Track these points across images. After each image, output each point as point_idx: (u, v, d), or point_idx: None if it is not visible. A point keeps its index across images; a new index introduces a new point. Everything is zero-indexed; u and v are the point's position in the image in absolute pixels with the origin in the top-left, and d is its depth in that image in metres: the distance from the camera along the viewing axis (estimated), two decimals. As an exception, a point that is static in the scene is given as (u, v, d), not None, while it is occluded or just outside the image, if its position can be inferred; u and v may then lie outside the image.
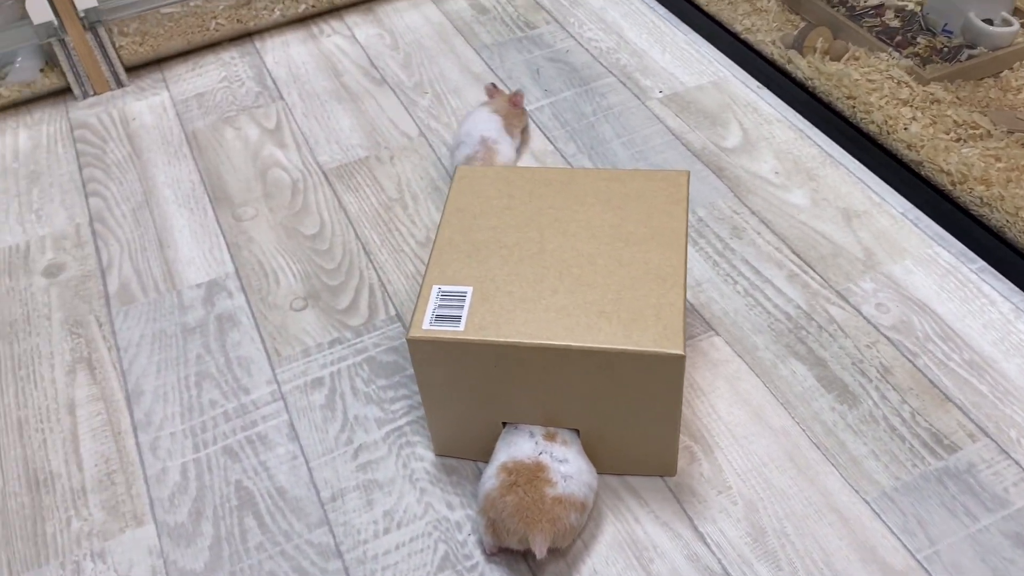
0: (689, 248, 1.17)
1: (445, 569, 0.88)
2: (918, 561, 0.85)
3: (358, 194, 1.29)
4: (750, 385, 1.01)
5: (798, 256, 1.15)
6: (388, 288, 1.16)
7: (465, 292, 0.87)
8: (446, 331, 0.84)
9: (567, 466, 0.86)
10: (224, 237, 1.24)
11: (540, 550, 0.81)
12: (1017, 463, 0.92)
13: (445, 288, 0.88)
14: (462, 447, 0.96)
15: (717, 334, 1.07)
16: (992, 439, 0.94)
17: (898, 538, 0.87)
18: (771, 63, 1.39)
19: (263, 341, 1.11)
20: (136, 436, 1.02)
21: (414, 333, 0.85)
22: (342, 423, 1.01)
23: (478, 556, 0.89)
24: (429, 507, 0.93)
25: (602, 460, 0.92)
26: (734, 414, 0.99)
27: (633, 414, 0.87)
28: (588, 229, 0.92)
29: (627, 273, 0.87)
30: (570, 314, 0.84)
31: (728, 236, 1.18)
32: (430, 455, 0.98)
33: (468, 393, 0.89)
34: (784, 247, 1.16)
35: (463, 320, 0.85)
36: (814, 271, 1.13)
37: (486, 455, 0.92)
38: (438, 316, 0.85)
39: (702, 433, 0.97)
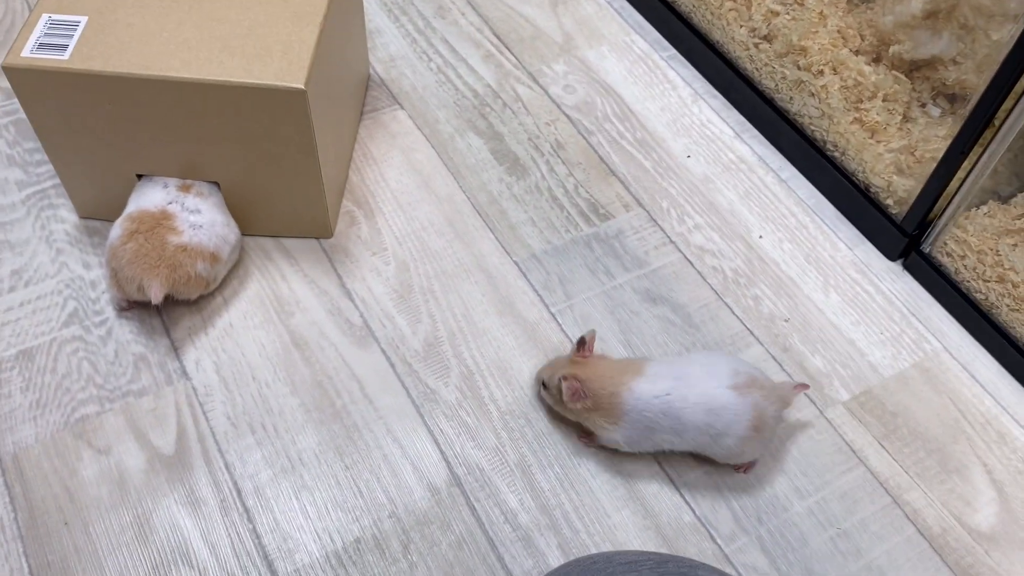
0: (388, 23, 1.12)
1: (72, 324, 0.84)
2: (551, 314, 0.88)
3: (28, -50, 1.15)
4: (424, 156, 1.00)
5: (498, 38, 1.12)
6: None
7: (79, 21, 0.80)
8: (48, 59, 0.77)
9: (198, 216, 0.83)
10: None
11: (155, 295, 0.78)
12: (663, 230, 0.96)
13: (56, 17, 0.80)
14: (104, 207, 0.90)
15: (402, 108, 1.04)
16: (645, 209, 0.97)
17: (538, 294, 0.90)
18: None
19: None
20: None
21: (10, 60, 0.77)
22: (-23, 183, 0.93)
23: (109, 312, 0.85)
24: (64, 266, 0.88)
25: (252, 220, 0.89)
26: (403, 182, 0.97)
27: (272, 162, 0.83)
28: None
29: (263, 11, 0.82)
30: (191, 48, 0.78)
31: (432, 15, 1.14)
32: (74, 218, 0.91)
33: (94, 140, 0.83)
34: (486, 28, 1.13)
35: (69, 49, 0.78)
36: (511, 52, 1.11)
37: None
38: (41, 44, 0.78)
39: (367, 199, 0.95)
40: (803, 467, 0.80)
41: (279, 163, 0.84)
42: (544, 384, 0.79)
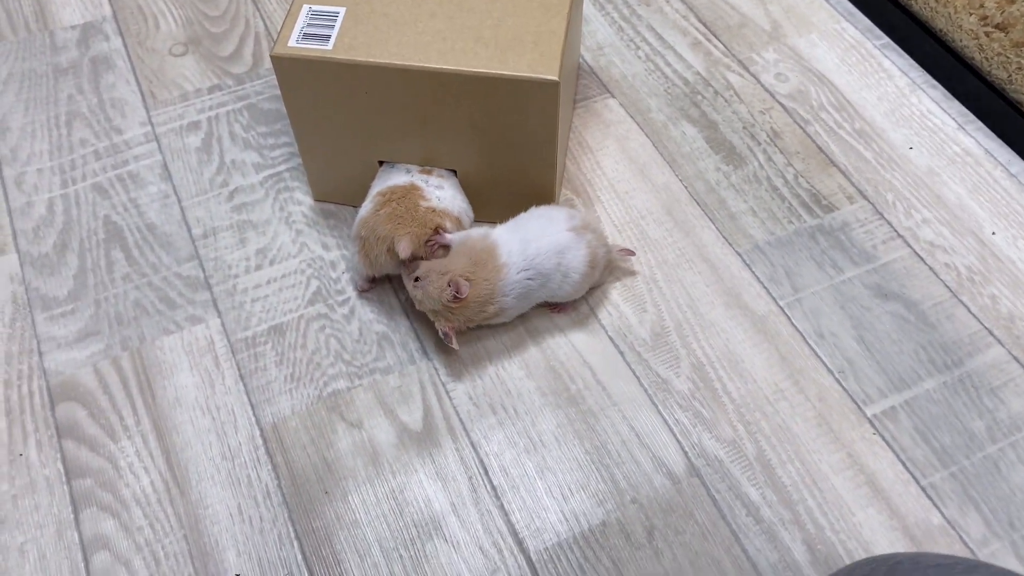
0: (594, 12, 1.13)
1: (316, 303, 0.88)
2: (780, 307, 0.87)
3: (249, -59, 1.20)
4: (638, 144, 1.00)
5: (704, 25, 1.11)
6: (276, 37, 1.09)
7: (338, 12, 0.83)
8: (313, 49, 0.80)
9: (442, 191, 0.85)
10: (102, -20, 1.16)
11: (404, 250, 0.79)
12: (889, 223, 0.93)
13: (316, 8, 0.83)
14: (340, 191, 0.94)
15: (612, 96, 1.04)
16: (869, 201, 0.95)
17: (764, 286, 0.89)
18: None
19: (139, 84, 1.05)
20: (0, 170, 0.97)
21: (278, 50, 0.80)
22: (218, 166, 0.98)
23: (350, 292, 0.88)
24: (304, 247, 0.92)
25: (484, 206, 0.91)
26: (619, 171, 0.98)
27: (510, 151, 0.85)
28: None
29: (511, 1, 0.83)
30: (446, 39, 0.81)
31: (636, 2, 1.14)
32: (309, 200, 0.95)
33: (341, 127, 0.86)
34: (692, 15, 1.12)
35: (332, 40, 0.81)
36: (718, 40, 1.10)
37: (364, 199, 0.90)
38: (306, 35, 0.81)
39: (585, 188, 0.96)
40: (1054, 474, 0.77)
41: (517, 150, 0.85)
42: (417, 278, 0.80)
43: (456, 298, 0.78)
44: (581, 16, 1.02)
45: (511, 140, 0.84)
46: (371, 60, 0.79)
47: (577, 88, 1.05)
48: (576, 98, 1.04)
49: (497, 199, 0.90)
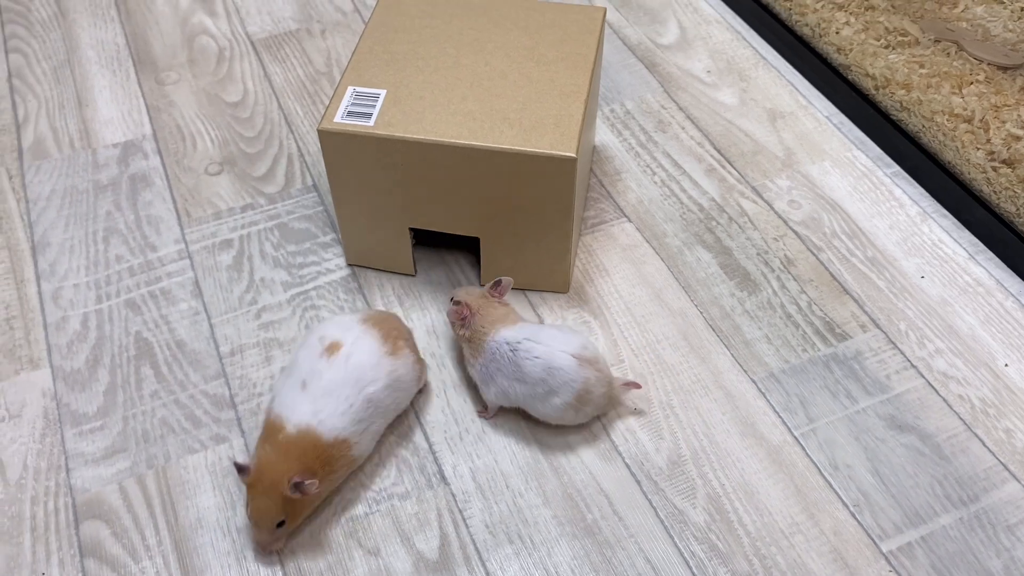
0: (612, 138, 1.17)
1: (336, 424, 0.89)
2: (794, 437, 0.88)
3: (285, 65, 1.26)
4: (654, 268, 1.03)
5: (719, 152, 1.15)
6: (307, 159, 1.14)
7: (379, 94, 0.90)
8: (356, 125, 0.88)
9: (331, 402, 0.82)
10: (144, 100, 1.22)
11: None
12: (902, 353, 0.94)
13: (360, 89, 0.91)
14: (373, 256, 1.00)
15: (629, 220, 1.08)
16: (882, 330, 0.97)
17: (779, 415, 0.90)
18: (716, -37, 1.37)
19: (174, 202, 1.10)
20: (39, 285, 1.01)
21: (325, 125, 0.88)
22: (248, 284, 1.01)
23: (370, 413, 0.90)
24: (327, 366, 0.94)
25: (503, 273, 0.96)
26: (635, 294, 1.00)
27: (530, 221, 0.92)
28: (503, 49, 0.95)
29: (534, 88, 0.91)
30: (476, 119, 0.88)
31: (653, 129, 1.18)
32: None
33: (377, 196, 0.93)
34: (707, 142, 1.17)
35: (374, 117, 0.88)
36: (732, 166, 1.13)
37: (394, 264, 0.99)
38: (350, 112, 0.89)
39: (602, 310, 0.99)
40: (1075, 618, 0.76)
41: (537, 220, 0.92)
42: (452, 299, 0.89)
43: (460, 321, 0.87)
44: (597, 104, 1.11)
45: (531, 210, 0.91)
46: (408, 136, 0.87)
47: (593, 212, 1.08)
48: (592, 221, 1.07)
49: (514, 265, 0.97)
